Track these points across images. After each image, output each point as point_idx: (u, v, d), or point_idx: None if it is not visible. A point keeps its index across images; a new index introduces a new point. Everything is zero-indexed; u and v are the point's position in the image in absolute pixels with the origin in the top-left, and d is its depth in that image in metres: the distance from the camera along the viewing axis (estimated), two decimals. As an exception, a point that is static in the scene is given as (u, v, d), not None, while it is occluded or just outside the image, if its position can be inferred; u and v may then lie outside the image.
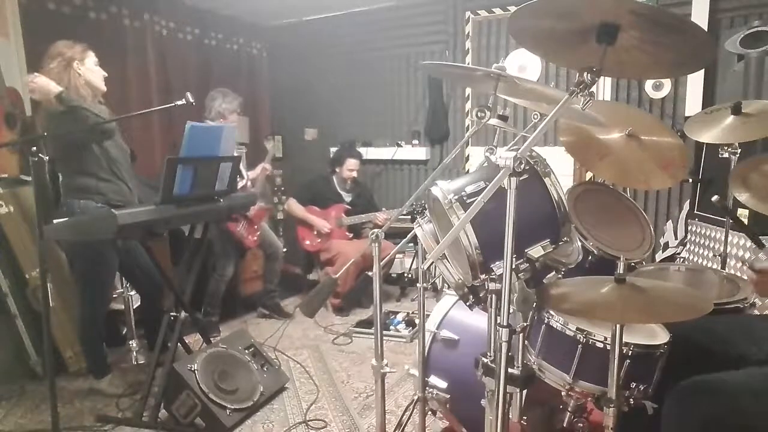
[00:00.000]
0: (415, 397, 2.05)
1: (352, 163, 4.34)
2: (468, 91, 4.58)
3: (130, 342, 3.23)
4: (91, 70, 2.58)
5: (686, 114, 3.60)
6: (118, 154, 2.64)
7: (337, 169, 4.39)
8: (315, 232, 4.29)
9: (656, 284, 1.42)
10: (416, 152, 4.82)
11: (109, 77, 2.67)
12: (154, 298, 2.95)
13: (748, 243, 2.75)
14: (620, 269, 1.34)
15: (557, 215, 1.34)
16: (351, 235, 4.39)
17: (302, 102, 5.17)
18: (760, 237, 2.74)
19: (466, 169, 4.59)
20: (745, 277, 1.78)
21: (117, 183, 2.63)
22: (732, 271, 2.70)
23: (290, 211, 4.39)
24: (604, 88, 3.94)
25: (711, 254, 2.99)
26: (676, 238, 3.52)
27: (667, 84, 3.77)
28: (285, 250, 5.03)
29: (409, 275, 3.60)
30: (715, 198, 1.68)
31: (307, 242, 4.30)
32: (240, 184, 3.74)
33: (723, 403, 1.33)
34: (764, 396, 1.32)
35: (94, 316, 2.72)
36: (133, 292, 3.09)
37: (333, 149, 4.75)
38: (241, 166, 3.81)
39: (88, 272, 2.64)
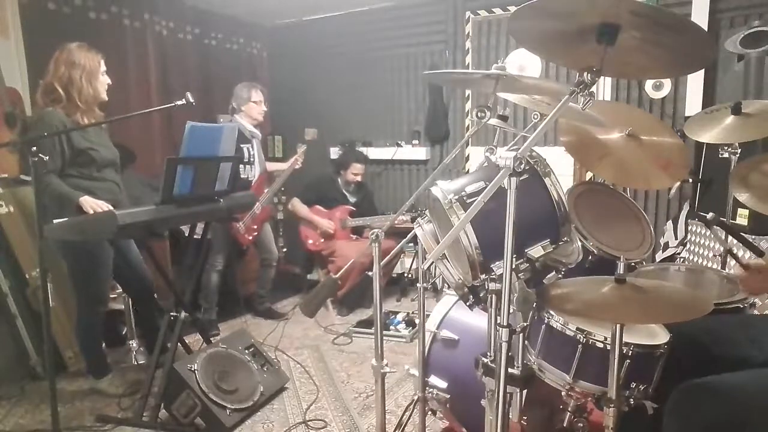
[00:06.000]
0: (415, 397, 2.05)
1: (357, 168, 4.35)
2: (468, 91, 4.58)
3: (130, 342, 3.23)
4: (102, 84, 2.59)
5: (686, 114, 3.59)
6: (107, 154, 2.63)
7: (342, 172, 4.39)
8: (319, 231, 4.29)
9: (656, 284, 1.42)
10: (416, 152, 4.82)
11: (108, 77, 2.67)
12: (144, 299, 2.95)
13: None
14: (620, 269, 1.34)
15: (557, 215, 1.34)
16: (354, 237, 4.39)
17: (302, 102, 5.16)
18: (761, 237, 2.75)
19: (466, 169, 4.59)
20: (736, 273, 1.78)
21: (106, 182, 2.62)
22: (732, 271, 2.70)
23: (294, 210, 4.38)
24: (604, 88, 3.94)
25: (711, 254, 2.99)
26: (676, 238, 3.51)
27: (667, 84, 3.77)
28: (285, 250, 5.05)
29: (409, 275, 3.60)
30: (710, 215, 1.66)
31: (310, 242, 4.29)
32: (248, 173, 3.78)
33: (724, 406, 1.32)
34: (766, 399, 1.32)
35: (91, 316, 2.71)
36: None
37: (333, 149, 4.75)
38: (257, 162, 3.85)
39: (83, 272, 2.63)
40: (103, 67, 2.60)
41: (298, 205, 4.36)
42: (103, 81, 2.61)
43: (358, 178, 4.39)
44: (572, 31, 1.18)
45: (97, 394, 2.79)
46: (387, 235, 1.84)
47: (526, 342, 1.52)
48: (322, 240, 4.27)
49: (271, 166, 4.10)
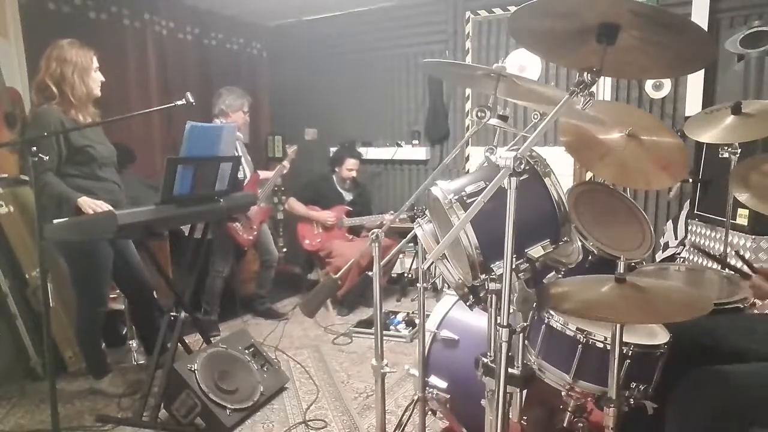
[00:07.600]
0: (415, 397, 2.05)
1: (351, 163, 4.35)
2: (468, 91, 4.58)
3: (130, 342, 3.23)
4: (94, 80, 2.56)
5: (686, 114, 3.60)
6: (105, 151, 2.62)
7: (337, 169, 4.40)
8: (316, 231, 4.29)
9: (656, 284, 1.42)
10: (416, 152, 4.82)
11: (108, 77, 2.66)
12: (141, 300, 2.93)
13: (749, 243, 2.76)
14: (620, 269, 1.34)
15: (557, 215, 1.34)
16: (351, 237, 4.39)
17: (302, 102, 5.16)
18: (761, 237, 2.75)
19: (466, 169, 4.59)
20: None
21: (106, 182, 2.61)
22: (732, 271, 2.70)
23: (291, 209, 4.39)
24: (604, 88, 3.94)
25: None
26: (676, 238, 3.52)
27: (667, 84, 3.77)
28: (285, 250, 5.04)
29: (409, 275, 3.60)
30: (692, 240, 1.68)
31: (307, 241, 4.29)
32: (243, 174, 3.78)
33: (732, 394, 1.33)
34: None
35: (91, 316, 2.70)
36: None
37: (333, 149, 4.75)
38: (243, 162, 3.85)
39: (83, 273, 2.62)
40: (95, 64, 2.57)
41: (294, 204, 4.36)
42: (96, 78, 2.57)
43: (353, 174, 4.39)
44: (572, 31, 1.18)
45: (97, 394, 2.79)
46: (386, 234, 1.85)
47: (526, 342, 1.52)
48: (318, 240, 4.27)
49: (262, 175, 4.11)
